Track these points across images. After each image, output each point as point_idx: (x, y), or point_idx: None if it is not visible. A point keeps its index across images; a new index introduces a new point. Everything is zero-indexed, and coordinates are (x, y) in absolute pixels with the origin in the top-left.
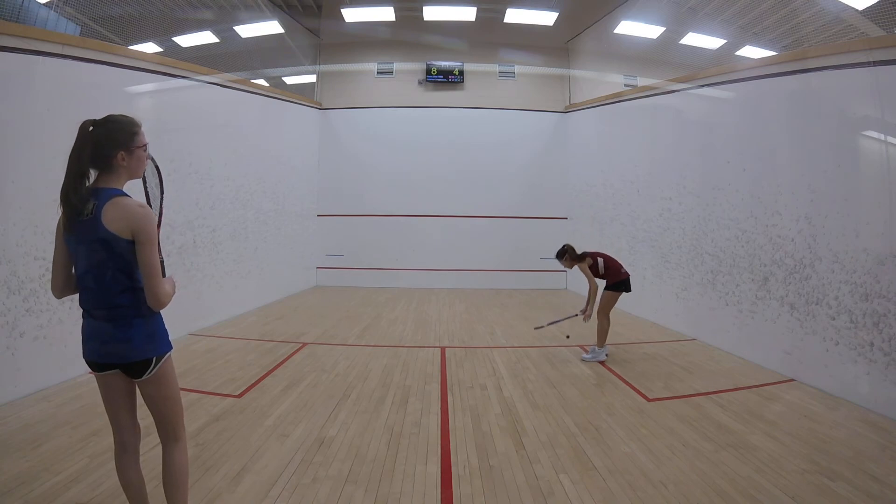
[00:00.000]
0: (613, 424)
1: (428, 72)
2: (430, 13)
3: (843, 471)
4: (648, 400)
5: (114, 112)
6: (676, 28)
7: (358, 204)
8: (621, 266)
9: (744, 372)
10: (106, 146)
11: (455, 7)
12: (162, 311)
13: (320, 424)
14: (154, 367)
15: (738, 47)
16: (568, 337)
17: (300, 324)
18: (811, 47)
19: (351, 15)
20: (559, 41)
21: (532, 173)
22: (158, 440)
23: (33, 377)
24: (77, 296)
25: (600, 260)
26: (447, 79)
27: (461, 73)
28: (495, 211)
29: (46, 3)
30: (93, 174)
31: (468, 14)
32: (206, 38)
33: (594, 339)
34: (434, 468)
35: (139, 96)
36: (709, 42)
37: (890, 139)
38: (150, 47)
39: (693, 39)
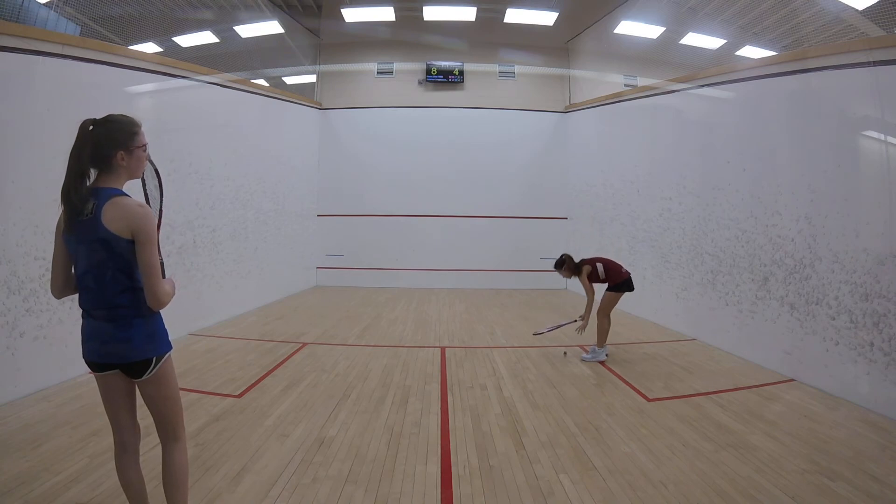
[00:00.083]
0: (613, 424)
1: (428, 72)
2: (430, 13)
3: (843, 471)
4: (648, 400)
5: (114, 112)
6: (676, 28)
7: (358, 204)
8: (621, 267)
9: (744, 372)
10: (106, 146)
11: (455, 7)
12: (162, 311)
13: (320, 424)
14: (154, 368)
15: (738, 47)
16: (565, 354)
17: (300, 324)
18: (811, 47)
19: (351, 15)
20: (559, 41)
21: (532, 173)
22: (158, 440)
23: (33, 377)
24: (77, 296)
25: (599, 266)
26: (447, 79)
27: (461, 73)
28: (495, 211)
29: (46, 3)
30: (93, 174)
31: (468, 14)
32: (206, 38)
33: (594, 339)
34: (434, 468)
35: (139, 96)
36: (709, 42)
37: (890, 139)
38: (150, 47)
39: (693, 39)
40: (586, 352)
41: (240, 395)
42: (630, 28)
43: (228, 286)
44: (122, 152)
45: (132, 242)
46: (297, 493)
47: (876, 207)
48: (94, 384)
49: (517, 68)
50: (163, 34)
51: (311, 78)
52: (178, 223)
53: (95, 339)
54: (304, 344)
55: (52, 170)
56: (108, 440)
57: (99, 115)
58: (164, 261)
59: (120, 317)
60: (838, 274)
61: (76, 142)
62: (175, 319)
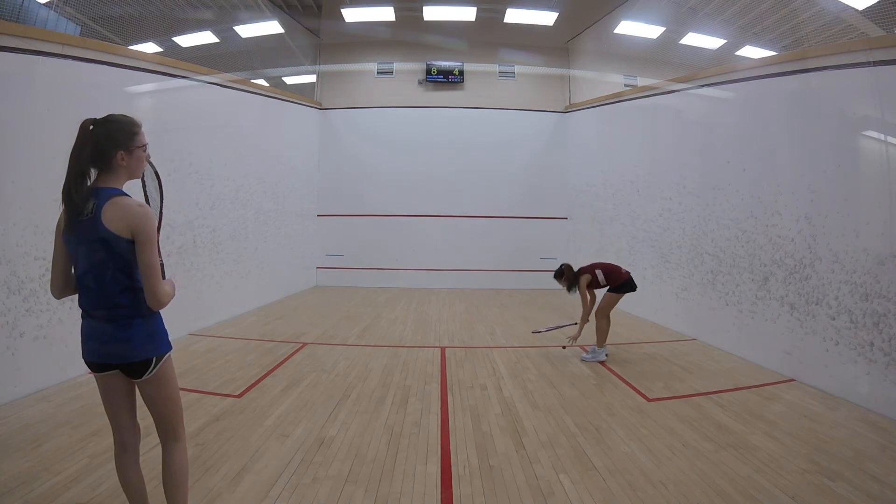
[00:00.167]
0: (613, 424)
1: (428, 72)
2: (430, 13)
3: (843, 471)
4: (648, 400)
5: (114, 112)
6: (676, 28)
7: (358, 204)
8: (620, 268)
9: (744, 372)
10: (106, 146)
11: (455, 7)
12: (162, 311)
13: (320, 424)
14: (154, 368)
15: (738, 47)
16: (564, 347)
17: (300, 324)
18: (811, 47)
19: (351, 15)
20: (559, 41)
21: (532, 173)
22: (158, 440)
23: (33, 377)
24: (77, 296)
25: (599, 272)
26: (447, 79)
27: (461, 73)
28: (495, 211)
29: (46, 3)
30: (93, 174)
31: (468, 14)
32: (206, 38)
33: (594, 338)
34: (434, 468)
35: (139, 96)
36: (709, 42)
37: (890, 139)
38: (150, 47)
39: (693, 39)
40: (586, 352)
41: (240, 395)
42: (630, 28)
43: (228, 286)
44: (123, 152)
45: (132, 242)
46: (297, 493)
47: (876, 207)
48: (94, 384)
49: (517, 68)
50: (163, 34)
51: (311, 78)
52: (178, 223)
53: (95, 339)
54: (304, 344)
55: (52, 170)
56: (108, 440)
57: (99, 115)
58: (164, 262)
59: (120, 317)
60: (838, 274)
61: (76, 142)
62: (175, 319)
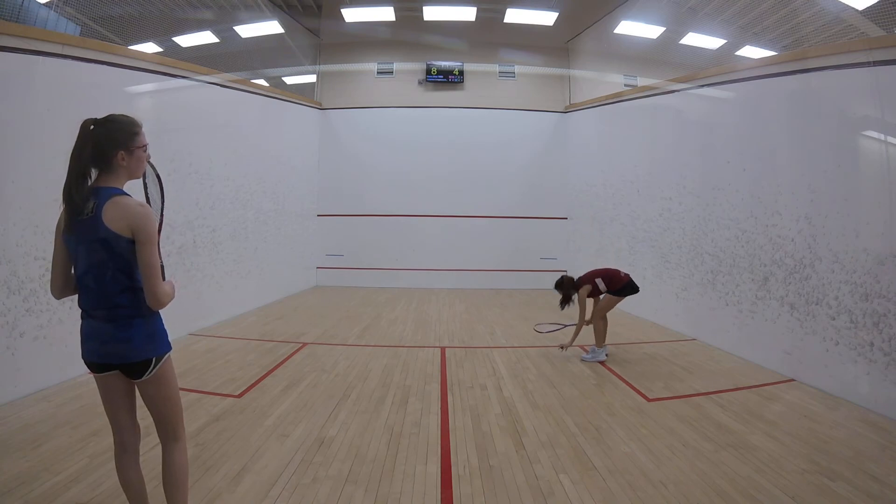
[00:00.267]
0: (613, 424)
1: (428, 72)
2: (430, 13)
3: (843, 471)
4: (648, 400)
5: (114, 112)
6: (676, 28)
7: (358, 204)
8: (619, 272)
9: (744, 372)
10: (106, 145)
11: (455, 7)
12: (162, 311)
13: (320, 424)
14: (154, 368)
15: (738, 47)
16: (562, 348)
17: (300, 324)
18: (811, 47)
19: (351, 15)
20: (559, 41)
21: (532, 173)
22: (158, 440)
23: (33, 377)
24: (76, 296)
25: (599, 281)
26: (447, 79)
27: (461, 73)
28: (495, 211)
29: (46, 3)
30: (94, 174)
31: (468, 14)
32: (206, 38)
33: (594, 339)
34: (434, 468)
35: (139, 96)
36: (709, 42)
37: (890, 139)
38: (150, 47)
39: (693, 39)
40: (586, 352)
41: (240, 395)
42: (630, 28)
43: (228, 286)
44: (123, 152)
45: (132, 242)
46: (297, 493)
47: (876, 207)
48: (94, 384)
49: (517, 68)
50: (163, 34)
51: (311, 78)
52: (178, 223)
53: (95, 339)
54: (304, 344)
55: (52, 170)
56: (108, 440)
57: (99, 115)
58: (164, 263)
59: (120, 317)
60: (838, 274)
61: (77, 141)
62: (175, 319)
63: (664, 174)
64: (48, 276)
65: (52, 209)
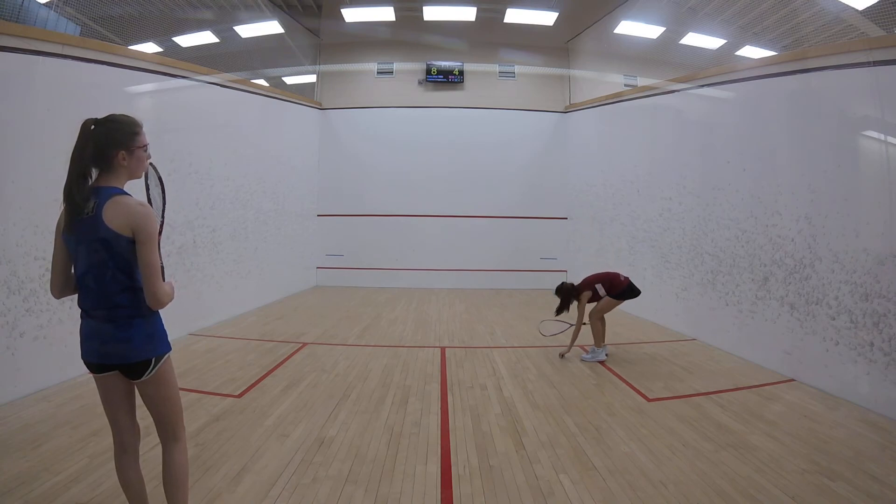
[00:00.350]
0: (613, 424)
1: (428, 72)
2: (430, 13)
3: (843, 471)
4: (648, 400)
5: (115, 112)
6: (676, 28)
7: (358, 204)
8: (619, 275)
9: (744, 372)
10: (107, 145)
11: (455, 7)
12: (162, 311)
13: (320, 424)
14: (153, 368)
15: (738, 47)
16: (562, 356)
17: (300, 324)
18: (811, 47)
19: (351, 15)
20: (559, 41)
21: (532, 173)
22: (158, 440)
23: (33, 377)
24: (76, 296)
25: (599, 286)
26: (447, 79)
27: (461, 73)
28: (495, 211)
29: (46, 3)
30: (94, 173)
31: (468, 14)
32: (206, 38)
33: (593, 339)
34: (434, 468)
35: (139, 96)
36: (709, 42)
37: (890, 139)
38: (150, 47)
39: (693, 39)
40: (586, 352)
41: (240, 395)
42: (630, 28)
43: (228, 286)
44: (124, 152)
45: (132, 242)
46: (297, 493)
47: (876, 207)
48: (94, 384)
49: (517, 68)
50: (163, 34)
51: (311, 78)
52: (178, 223)
53: (95, 338)
54: (304, 344)
55: (52, 170)
56: (108, 440)
57: (99, 115)
58: (164, 263)
59: (120, 317)
60: (838, 274)
61: (78, 141)
62: (175, 319)
63: (664, 174)
64: (48, 276)
65: (52, 209)
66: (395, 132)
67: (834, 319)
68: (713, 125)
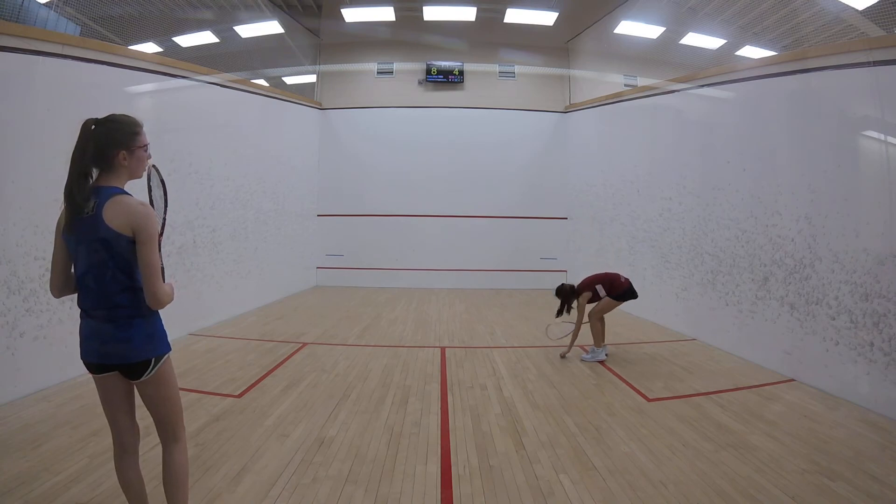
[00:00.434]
0: (613, 424)
1: (428, 72)
2: (430, 13)
3: (843, 471)
4: (648, 400)
5: (115, 112)
6: (676, 28)
7: (358, 204)
8: (619, 276)
9: (744, 372)
10: (107, 145)
11: (455, 7)
12: (162, 311)
13: (320, 424)
14: (153, 368)
15: (738, 47)
16: (563, 356)
17: (300, 324)
18: (811, 47)
19: (351, 15)
20: (559, 41)
21: (532, 173)
22: (158, 440)
23: (33, 377)
24: (76, 296)
25: (599, 287)
26: (447, 79)
27: (461, 73)
28: (495, 211)
29: (46, 3)
30: (94, 173)
31: (468, 14)
32: (206, 38)
33: (592, 339)
34: (434, 468)
35: (139, 96)
36: (709, 42)
37: (890, 139)
38: (150, 47)
39: (693, 39)
40: (586, 352)
41: (240, 395)
42: (630, 28)
43: (228, 286)
44: (124, 152)
45: (133, 242)
46: (297, 493)
47: (876, 207)
48: (94, 384)
49: (517, 68)
50: (163, 34)
51: (311, 78)
52: (178, 223)
53: (95, 338)
54: (304, 344)
55: (52, 170)
56: (108, 440)
57: (99, 115)
58: (165, 264)
59: (120, 317)
60: (838, 274)
61: (78, 141)
62: (175, 319)
63: (664, 174)
64: (48, 276)
65: (52, 209)
66: (395, 132)
67: (834, 319)
68: (713, 125)
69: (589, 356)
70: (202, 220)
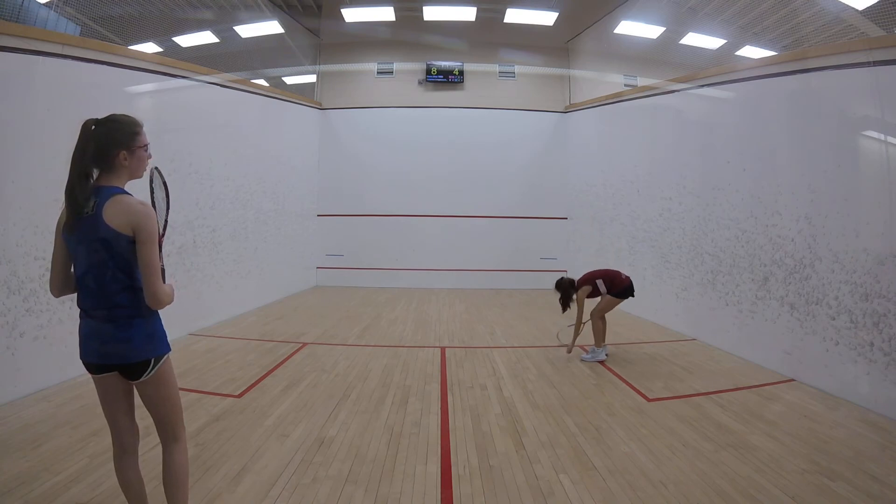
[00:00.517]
0: (613, 424)
1: (428, 72)
2: (430, 13)
3: (843, 471)
4: (648, 400)
5: (115, 112)
6: (676, 28)
7: (358, 204)
8: (620, 273)
9: (744, 372)
10: (108, 145)
11: (455, 7)
12: (162, 311)
13: (320, 424)
14: (153, 369)
15: (738, 47)
16: (569, 352)
17: (300, 324)
18: (811, 47)
19: (351, 15)
20: (559, 41)
21: (532, 173)
22: (158, 440)
23: (33, 377)
24: (76, 295)
25: (600, 283)
26: (447, 79)
27: (461, 73)
28: (495, 211)
29: (46, 3)
30: (95, 173)
31: (468, 14)
32: (206, 38)
33: (593, 339)
34: (434, 468)
35: (139, 96)
36: (709, 42)
37: (890, 139)
38: (150, 47)
39: (693, 39)
40: (586, 352)
41: (240, 395)
42: (630, 28)
43: (228, 286)
44: (125, 152)
45: (133, 241)
46: (297, 493)
47: (876, 207)
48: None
49: (517, 68)
50: (163, 34)
51: (311, 78)
52: (178, 223)
53: (95, 338)
54: (304, 344)
55: (52, 170)
56: (108, 440)
57: (99, 115)
58: (165, 265)
59: (120, 317)
60: (838, 274)
61: (78, 141)
62: (175, 319)
63: (664, 174)
64: (48, 276)
65: (52, 209)
66: (395, 132)
67: (834, 319)
68: (713, 125)
69: (589, 356)
70: (202, 220)
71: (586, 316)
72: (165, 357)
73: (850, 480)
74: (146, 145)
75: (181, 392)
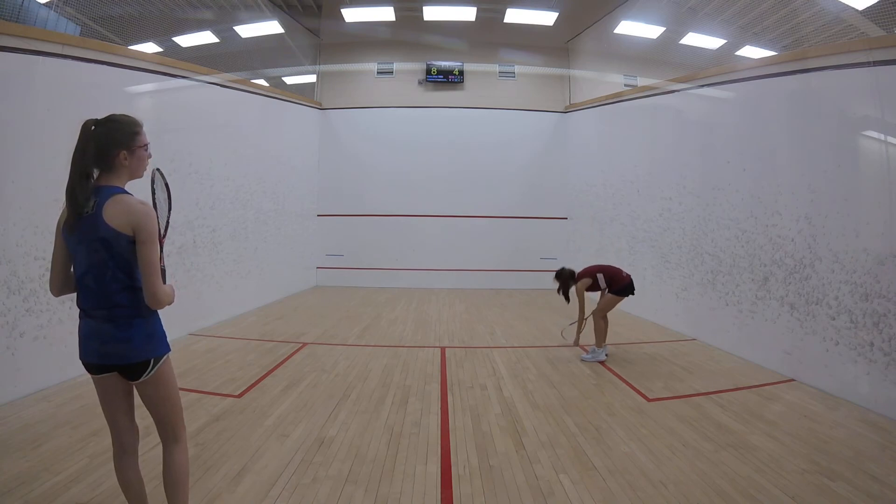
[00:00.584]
0: (613, 424)
1: (428, 72)
2: (430, 13)
3: (843, 471)
4: (648, 400)
5: (115, 112)
6: (676, 28)
7: (358, 204)
8: (621, 271)
9: (744, 372)
10: (107, 145)
11: (455, 7)
12: (162, 311)
13: (320, 424)
14: (152, 369)
15: (738, 47)
16: (575, 344)
17: (300, 324)
18: (811, 47)
19: (351, 15)
20: (559, 41)
21: (532, 173)
22: (158, 440)
23: (33, 377)
24: (75, 295)
25: (600, 276)
26: (447, 79)
27: (461, 73)
28: (495, 211)
29: (46, 3)
30: (95, 173)
31: (468, 14)
32: (206, 38)
33: (594, 339)
34: (434, 468)
35: (139, 96)
36: (709, 42)
37: (890, 139)
38: (150, 47)
39: (693, 39)
40: (586, 352)
41: (240, 395)
42: (630, 28)
43: (228, 286)
44: (125, 152)
45: (133, 241)
46: (297, 493)
47: (876, 207)
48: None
49: (517, 68)
50: (163, 34)
51: (311, 78)
52: (178, 223)
53: (95, 338)
54: (304, 344)
55: (52, 170)
56: (108, 440)
57: (99, 115)
58: (165, 266)
59: (119, 316)
60: (838, 274)
61: (79, 142)
62: (175, 319)
63: (664, 174)
64: (48, 276)
65: (52, 209)
66: (395, 132)
67: (834, 319)
68: (713, 125)
69: (589, 356)
70: (202, 220)
71: (587, 311)
72: (165, 357)
73: (850, 480)
74: (146, 145)
75: (181, 392)
